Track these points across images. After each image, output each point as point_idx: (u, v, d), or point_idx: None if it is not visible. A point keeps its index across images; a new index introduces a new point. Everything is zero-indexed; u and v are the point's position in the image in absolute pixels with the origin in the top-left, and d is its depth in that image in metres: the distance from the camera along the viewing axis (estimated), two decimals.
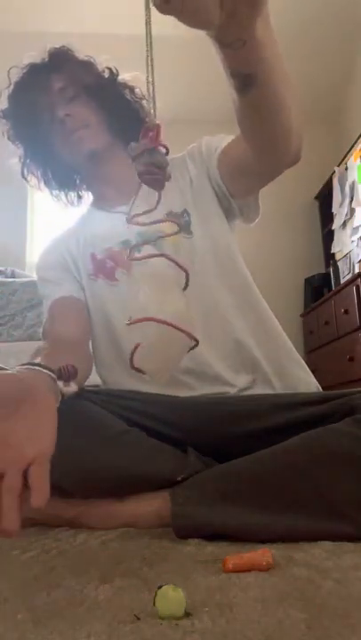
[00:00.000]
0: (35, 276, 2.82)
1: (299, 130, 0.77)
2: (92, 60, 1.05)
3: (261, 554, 0.56)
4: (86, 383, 0.90)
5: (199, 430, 0.85)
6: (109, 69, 1.06)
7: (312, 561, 0.58)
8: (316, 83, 3.57)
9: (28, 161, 1.10)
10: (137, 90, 1.07)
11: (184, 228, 0.99)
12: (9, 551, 0.67)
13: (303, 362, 1.03)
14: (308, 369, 1.02)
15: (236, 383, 0.95)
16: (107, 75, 1.06)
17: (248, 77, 0.60)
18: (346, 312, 2.75)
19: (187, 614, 0.43)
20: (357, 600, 0.46)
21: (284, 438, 0.74)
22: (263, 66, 0.59)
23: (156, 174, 0.55)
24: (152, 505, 0.75)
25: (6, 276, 2.70)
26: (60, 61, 1.03)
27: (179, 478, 0.75)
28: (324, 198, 3.62)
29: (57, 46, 1.04)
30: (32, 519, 0.81)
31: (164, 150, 0.55)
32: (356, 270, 2.87)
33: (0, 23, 2.98)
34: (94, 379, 1.03)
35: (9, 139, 1.08)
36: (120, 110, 1.05)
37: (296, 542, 0.65)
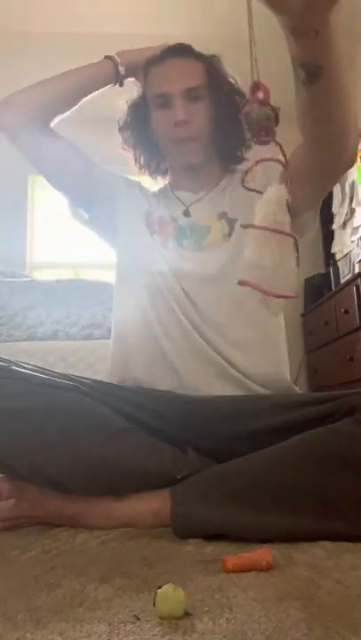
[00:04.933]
0: (34, 276, 2.83)
1: (356, 131, 0.79)
2: (234, 81, 1.05)
3: (261, 554, 0.56)
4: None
5: (199, 429, 0.85)
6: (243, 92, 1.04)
7: (312, 561, 0.58)
8: None
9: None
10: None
11: (229, 232, 1.01)
12: (9, 551, 0.67)
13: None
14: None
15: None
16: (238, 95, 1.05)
17: (316, 69, 0.62)
18: (346, 312, 2.75)
19: (187, 614, 0.43)
20: (357, 600, 0.46)
21: (284, 438, 0.75)
22: (331, 58, 0.62)
23: (265, 127, 0.57)
24: (152, 504, 0.75)
25: (6, 276, 2.70)
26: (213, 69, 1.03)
27: (178, 477, 0.75)
28: (325, 198, 3.61)
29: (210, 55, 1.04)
30: (32, 517, 0.81)
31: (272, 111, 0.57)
32: (357, 270, 2.86)
33: (0, 23, 2.98)
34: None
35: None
36: (230, 132, 1.05)
37: (296, 542, 0.65)
